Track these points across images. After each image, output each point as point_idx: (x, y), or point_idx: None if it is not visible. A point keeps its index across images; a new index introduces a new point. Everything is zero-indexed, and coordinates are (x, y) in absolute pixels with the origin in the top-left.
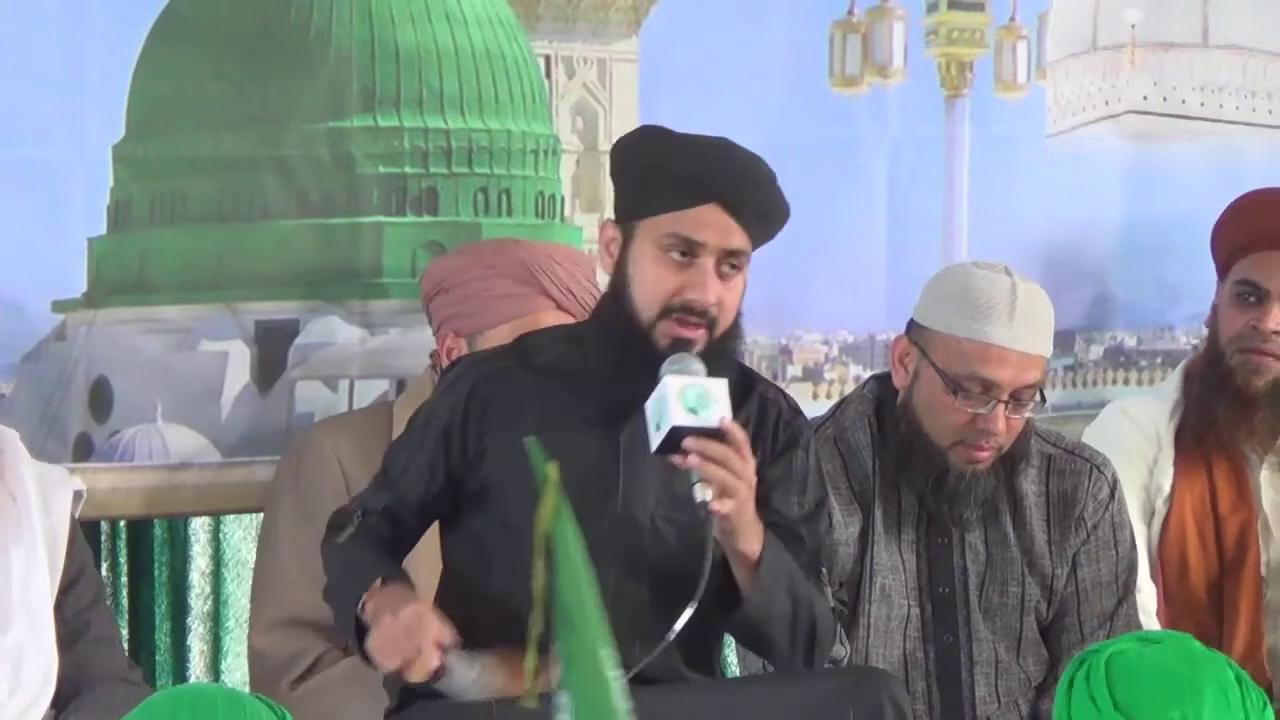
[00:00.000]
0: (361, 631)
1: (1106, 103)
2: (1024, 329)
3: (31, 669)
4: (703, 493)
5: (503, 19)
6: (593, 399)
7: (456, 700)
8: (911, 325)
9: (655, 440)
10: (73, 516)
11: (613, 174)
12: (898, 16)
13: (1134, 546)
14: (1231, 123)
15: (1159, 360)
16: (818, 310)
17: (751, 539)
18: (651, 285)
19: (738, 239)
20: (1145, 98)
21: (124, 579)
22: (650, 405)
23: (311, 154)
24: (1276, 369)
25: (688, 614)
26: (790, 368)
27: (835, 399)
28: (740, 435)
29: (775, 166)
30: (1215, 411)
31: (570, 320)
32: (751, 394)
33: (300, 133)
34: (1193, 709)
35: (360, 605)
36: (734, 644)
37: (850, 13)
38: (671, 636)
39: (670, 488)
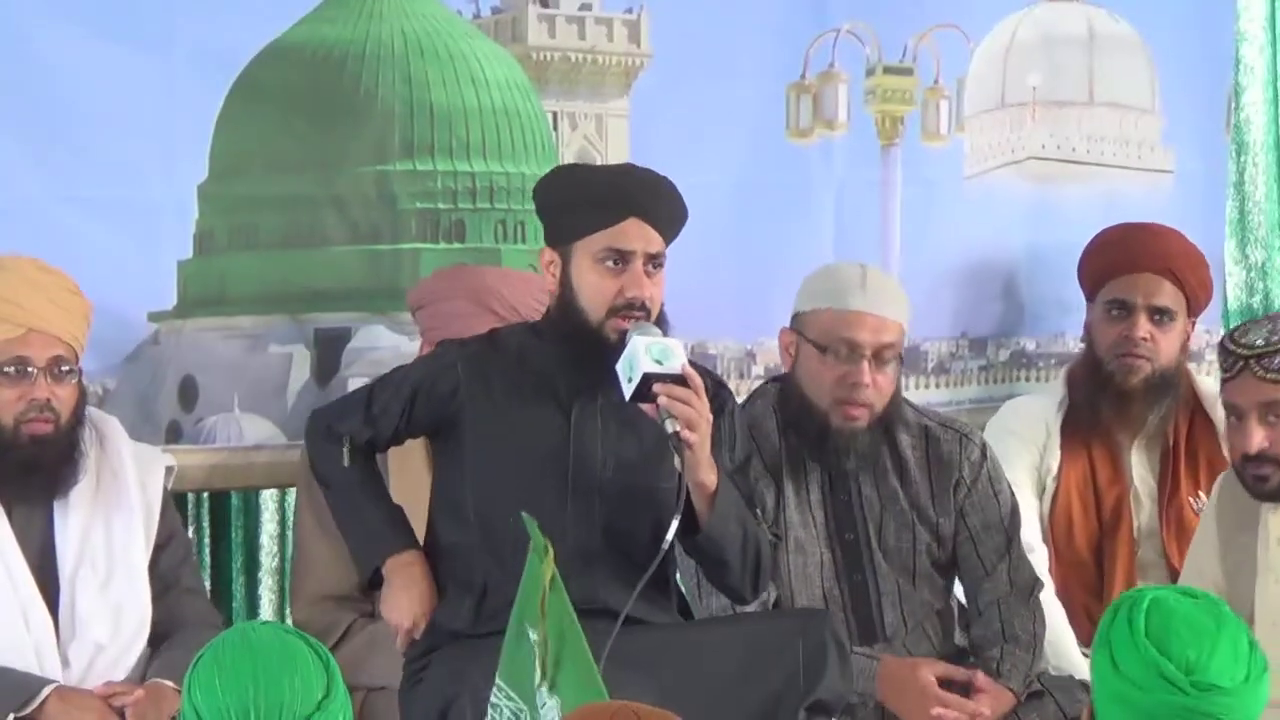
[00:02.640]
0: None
1: (1013, 151)
2: (875, 298)
3: (129, 617)
4: (672, 426)
5: (518, 82)
6: (548, 381)
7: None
8: (791, 320)
9: (629, 390)
10: (165, 488)
11: (542, 210)
12: (842, 80)
13: (1013, 494)
14: (1111, 166)
15: (1054, 361)
16: (777, 320)
17: (709, 472)
18: (596, 292)
19: (657, 244)
20: (1043, 146)
21: (206, 541)
22: (621, 363)
23: (361, 193)
24: (1147, 368)
25: (675, 525)
26: (754, 368)
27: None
28: (699, 380)
29: (741, 203)
30: (1100, 408)
31: None
32: None
33: (352, 175)
34: (1207, 653)
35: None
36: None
37: (803, 76)
38: (666, 545)
39: (617, 454)
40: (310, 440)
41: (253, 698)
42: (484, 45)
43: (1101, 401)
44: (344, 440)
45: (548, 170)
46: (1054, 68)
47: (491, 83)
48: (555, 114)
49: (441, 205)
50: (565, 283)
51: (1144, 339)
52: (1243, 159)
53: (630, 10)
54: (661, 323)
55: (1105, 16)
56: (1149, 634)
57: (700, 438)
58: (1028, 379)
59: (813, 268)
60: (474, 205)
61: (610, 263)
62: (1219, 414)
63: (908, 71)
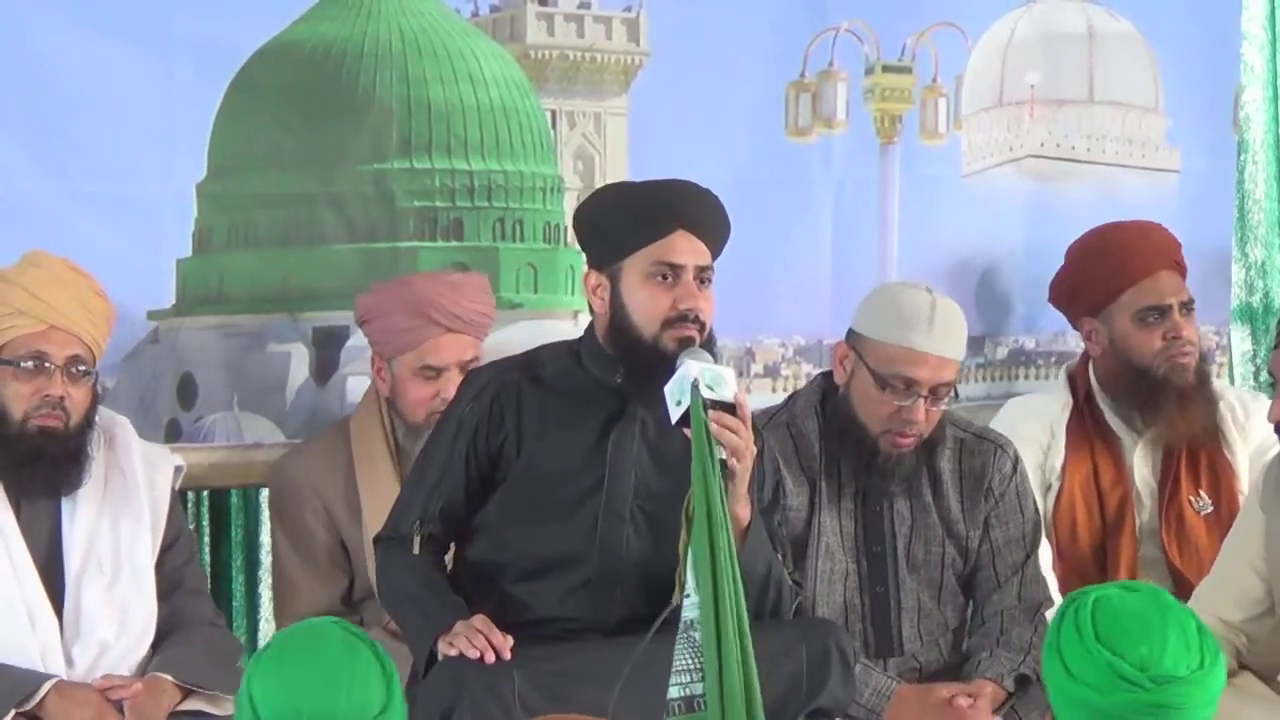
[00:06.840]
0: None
1: (1011, 149)
2: (940, 337)
3: (135, 617)
4: (720, 454)
5: (516, 80)
6: (587, 407)
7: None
8: (850, 333)
9: (676, 414)
10: (173, 489)
11: (585, 232)
12: (841, 78)
13: (1038, 510)
14: (1112, 165)
15: (1053, 360)
16: (775, 318)
17: (745, 506)
18: (649, 307)
19: (705, 256)
20: (1042, 144)
21: (206, 539)
22: (671, 386)
23: (359, 190)
24: (1194, 363)
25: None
26: (753, 366)
27: (791, 392)
28: (748, 411)
29: (740, 202)
30: (1165, 410)
31: (465, 338)
32: None
33: (350, 173)
34: (1159, 646)
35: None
36: None
37: (802, 75)
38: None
39: (646, 484)
40: (377, 559)
41: (306, 704)
42: (482, 43)
43: (1165, 405)
44: (416, 529)
45: (548, 169)
46: (1052, 66)
47: (489, 81)
48: (554, 112)
49: (439, 203)
50: (616, 303)
51: (1189, 336)
52: (1243, 157)
53: (629, 8)
54: (713, 341)
55: (1105, 15)
56: (1099, 636)
57: (744, 469)
58: (1027, 377)
59: (810, 263)
60: (472, 203)
61: (661, 277)
62: (1221, 413)
63: (906, 70)
